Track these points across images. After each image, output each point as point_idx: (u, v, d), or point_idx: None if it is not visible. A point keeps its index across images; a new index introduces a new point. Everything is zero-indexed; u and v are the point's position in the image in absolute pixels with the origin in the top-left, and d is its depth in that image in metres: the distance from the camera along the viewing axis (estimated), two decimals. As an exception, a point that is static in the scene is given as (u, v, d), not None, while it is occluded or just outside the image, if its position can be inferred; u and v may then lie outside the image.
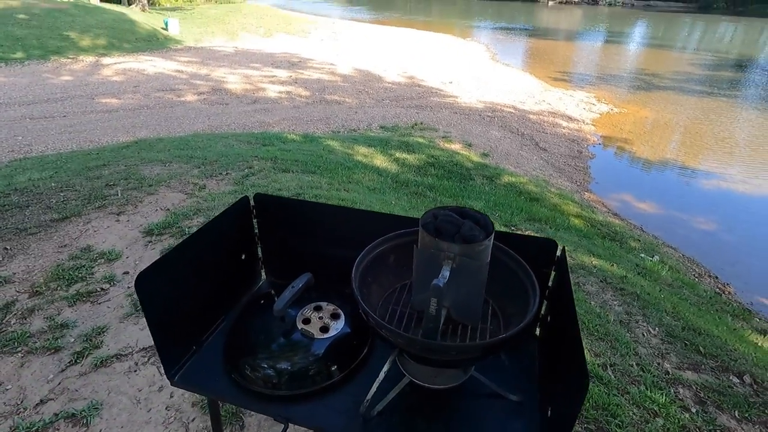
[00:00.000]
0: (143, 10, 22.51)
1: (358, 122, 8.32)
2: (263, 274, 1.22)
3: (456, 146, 7.33)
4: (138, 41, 15.29)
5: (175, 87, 10.44)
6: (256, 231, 1.12)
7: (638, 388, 1.93)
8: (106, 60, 12.72)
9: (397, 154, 6.19)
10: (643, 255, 4.77)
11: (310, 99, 10.03)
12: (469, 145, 7.51)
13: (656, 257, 4.76)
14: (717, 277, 4.95)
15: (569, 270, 0.84)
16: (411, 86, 11.73)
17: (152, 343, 1.85)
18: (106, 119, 7.93)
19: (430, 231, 0.74)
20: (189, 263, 0.91)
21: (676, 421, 1.76)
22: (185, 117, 8.16)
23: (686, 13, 38.68)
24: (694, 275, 4.82)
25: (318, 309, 0.99)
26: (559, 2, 45.62)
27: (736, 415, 1.91)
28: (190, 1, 33.05)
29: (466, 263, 0.72)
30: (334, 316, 0.97)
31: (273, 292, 1.08)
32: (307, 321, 0.96)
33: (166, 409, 1.57)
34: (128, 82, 10.67)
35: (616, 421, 1.62)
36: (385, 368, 0.83)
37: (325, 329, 0.94)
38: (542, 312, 0.96)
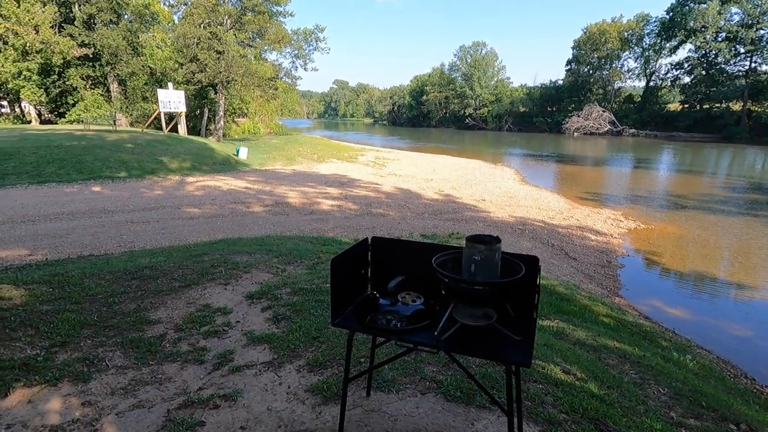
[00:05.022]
0: (219, 141, 26.65)
1: (401, 231, 9.38)
2: (369, 287, 2.01)
3: (490, 252, 8.09)
4: (215, 164, 18.11)
5: (245, 200, 12.23)
6: (369, 259, 1.96)
7: (641, 419, 2.39)
8: (189, 179, 15.15)
9: (437, 256, 7.01)
10: (675, 353, 4.99)
11: (358, 212, 11.40)
12: (502, 252, 8.25)
13: (689, 356, 4.93)
14: (754, 379, 5.04)
15: (540, 273, 1.61)
16: (447, 202, 13.05)
17: (268, 359, 2.60)
18: (190, 224, 9.44)
19: (470, 240, 1.56)
20: (343, 266, 1.75)
21: (671, 440, 2.20)
22: (254, 223, 9.56)
23: (710, 143, 40.55)
24: (728, 375, 4.96)
25: (408, 294, 1.77)
26: (584, 133, 49.31)
27: (729, 448, 2.30)
28: (255, 133, 38.75)
29: (487, 254, 1.50)
30: (417, 298, 1.75)
31: (376, 293, 1.88)
32: (403, 297, 1.74)
33: (286, 393, 2.24)
34: (207, 195, 12.63)
35: (611, 419, 2.12)
36: (447, 314, 1.56)
37: (413, 302, 1.71)
38: (536, 302, 1.68)
